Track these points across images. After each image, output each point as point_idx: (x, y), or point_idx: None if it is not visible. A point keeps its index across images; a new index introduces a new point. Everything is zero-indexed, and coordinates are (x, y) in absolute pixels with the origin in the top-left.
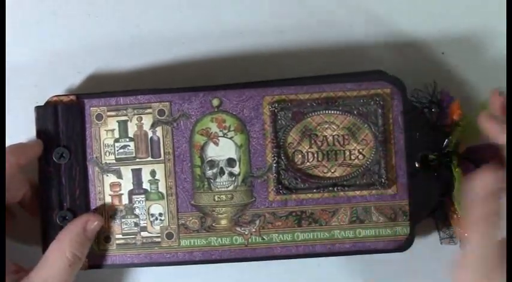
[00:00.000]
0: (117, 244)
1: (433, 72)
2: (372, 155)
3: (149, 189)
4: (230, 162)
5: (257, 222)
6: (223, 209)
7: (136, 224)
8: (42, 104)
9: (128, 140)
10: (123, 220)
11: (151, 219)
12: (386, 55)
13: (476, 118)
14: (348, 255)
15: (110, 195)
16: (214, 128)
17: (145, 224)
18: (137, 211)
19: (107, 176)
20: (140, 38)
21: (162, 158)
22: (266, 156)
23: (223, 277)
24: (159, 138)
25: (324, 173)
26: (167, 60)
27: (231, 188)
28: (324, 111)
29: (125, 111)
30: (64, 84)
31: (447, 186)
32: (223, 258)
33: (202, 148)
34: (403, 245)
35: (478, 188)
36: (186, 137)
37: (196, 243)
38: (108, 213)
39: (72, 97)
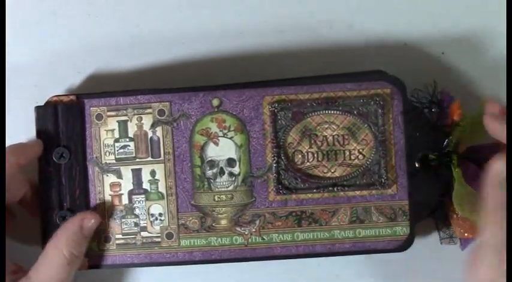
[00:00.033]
0: (117, 244)
1: (433, 72)
2: (372, 155)
3: (149, 189)
4: (230, 162)
5: (257, 222)
6: (223, 209)
7: (136, 224)
8: (42, 104)
9: (128, 140)
10: (123, 220)
11: (151, 219)
12: (386, 55)
13: (476, 118)
14: (348, 255)
15: (110, 195)
16: (214, 128)
17: (145, 224)
18: (137, 211)
19: (107, 176)
20: (140, 38)
21: (162, 158)
22: (266, 156)
23: (223, 277)
24: (159, 138)
25: (324, 173)
26: (167, 60)
27: (231, 188)
28: (324, 111)
29: (124, 111)
30: (64, 84)
31: (447, 186)
32: (223, 258)
33: (202, 148)
34: (403, 245)
35: (494, 176)
36: (186, 137)
37: (196, 243)
38: (108, 213)
39: (72, 97)
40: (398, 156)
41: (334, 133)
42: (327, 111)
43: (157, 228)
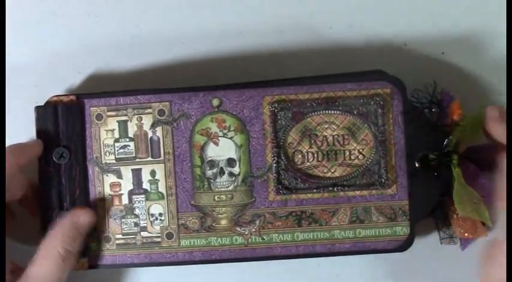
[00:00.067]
0: (117, 244)
1: (433, 72)
2: (372, 155)
3: (149, 189)
4: (230, 162)
5: (257, 222)
6: (223, 209)
7: (136, 224)
8: (42, 104)
9: (128, 140)
10: (123, 220)
11: (151, 219)
12: (386, 55)
13: (476, 118)
14: (348, 255)
15: (110, 195)
16: (214, 128)
17: (145, 224)
18: (137, 211)
19: (107, 176)
20: (140, 38)
21: (162, 158)
22: (266, 156)
23: (223, 277)
24: (159, 138)
25: (324, 173)
26: (167, 60)
27: (231, 188)
28: (324, 111)
29: (124, 111)
30: (64, 84)
31: (447, 186)
32: (223, 258)
33: (202, 148)
34: (403, 245)
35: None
36: (186, 137)
37: (196, 243)
38: (108, 213)
39: (72, 97)
40: (398, 156)
41: (334, 133)
42: (327, 111)
43: (157, 228)
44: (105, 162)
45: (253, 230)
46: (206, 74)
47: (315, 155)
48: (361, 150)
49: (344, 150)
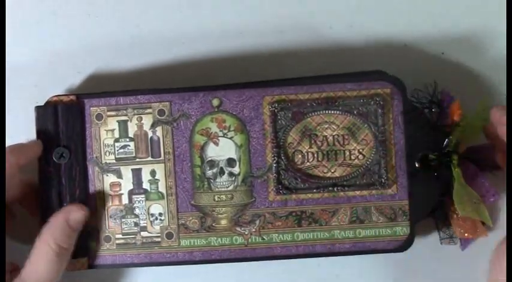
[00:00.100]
0: (117, 244)
1: (433, 72)
2: (372, 155)
3: (149, 189)
4: (230, 162)
5: (257, 222)
6: (223, 209)
7: (136, 224)
8: (42, 104)
9: (128, 139)
10: (123, 220)
11: (151, 219)
12: (386, 55)
13: (476, 118)
14: (348, 255)
15: (110, 195)
16: (214, 128)
17: (145, 224)
18: (137, 211)
19: (107, 175)
20: (140, 38)
21: (162, 158)
22: (266, 156)
23: (223, 277)
24: (159, 138)
25: (324, 173)
26: (167, 60)
27: (231, 188)
28: (324, 111)
29: (124, 111)
30: (64, 84)
31: (447, 186)
32: (223, 258)
33: (202, 148)
34: (403, 245)
35: None
36: (186, 137)
37: (196, 243)
38: (108, 213)
39: (72, 97)
40: (398, 156)
41: (334, 133)
42: (327, 111)
43: (157, 228)
44: (105, 162)
45: (253, 230)
46: (206, 74)
47: (315, 155)
48: (361, 150)
49: (344, 150)
